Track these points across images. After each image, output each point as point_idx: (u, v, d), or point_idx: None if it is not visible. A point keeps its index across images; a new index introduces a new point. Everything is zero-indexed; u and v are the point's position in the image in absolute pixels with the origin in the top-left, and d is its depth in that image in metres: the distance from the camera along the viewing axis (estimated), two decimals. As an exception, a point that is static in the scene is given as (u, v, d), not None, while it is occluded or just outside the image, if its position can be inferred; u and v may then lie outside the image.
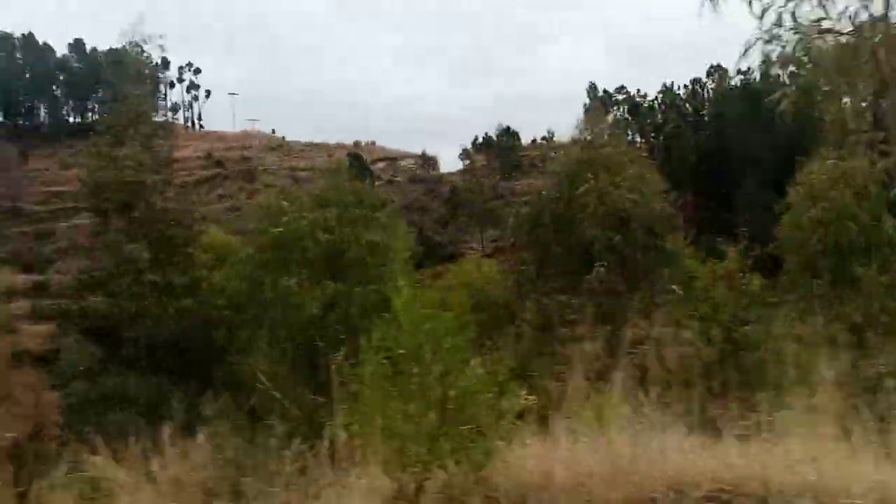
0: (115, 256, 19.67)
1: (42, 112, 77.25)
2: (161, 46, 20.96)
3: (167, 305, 20.68)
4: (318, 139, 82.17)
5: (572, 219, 21.02)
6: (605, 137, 22.11)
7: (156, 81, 21.14)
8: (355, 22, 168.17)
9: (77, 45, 76.68)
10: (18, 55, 75.97)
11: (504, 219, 69.75)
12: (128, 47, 20.42)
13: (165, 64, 79.93)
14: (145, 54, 20.53)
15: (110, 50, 77.91)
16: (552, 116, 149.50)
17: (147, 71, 20.75)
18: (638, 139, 66.64)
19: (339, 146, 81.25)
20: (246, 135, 77.27)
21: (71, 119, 77.80)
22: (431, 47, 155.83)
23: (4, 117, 75.22)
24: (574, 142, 22.77)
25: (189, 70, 68.80)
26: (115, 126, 19.45)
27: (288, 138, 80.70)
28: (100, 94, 77.13)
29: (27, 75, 75.28)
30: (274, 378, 18.63)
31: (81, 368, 21.52)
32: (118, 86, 20.76)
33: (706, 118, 67.73)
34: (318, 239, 20.16)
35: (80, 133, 75.04)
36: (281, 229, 20.41)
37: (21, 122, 76.38)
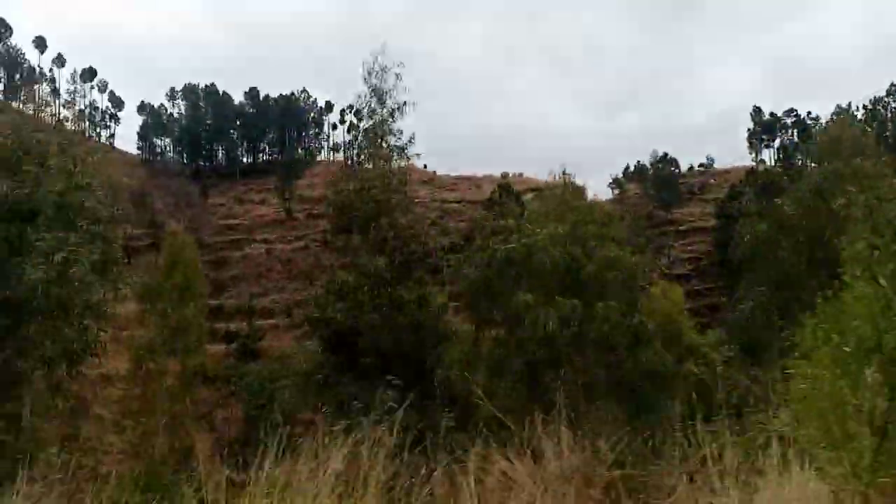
0: (359, 270, 20.84)
1: (220, 153, 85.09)
2: (397, 75, 22.38)
3: (398, 318, 21.47)
4: (466, 172, 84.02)
5: (821, 234, 19.66)
6: (857, 151, 20.69)
7: (394, 107, 22.39)
8: (503, 58, 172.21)
9: (251, 92, 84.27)
10: (202, 104, 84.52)
11: (664, 248, 67.43)
12: (371, 76, 22.05)
13: (329, 107, 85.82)
14: (385, 81, 22.03)
15: (280, 96, 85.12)
16: (709, 143, 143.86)
17: (387, 97, 22.22)
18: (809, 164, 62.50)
19: (487, 178, 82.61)
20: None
21: (245, 159, 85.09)
22: (578, 78, 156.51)
23: (189, 159, 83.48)
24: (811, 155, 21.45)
25: (350, 112, 73.82)
26: (362, 148, 21.03)
27: (438, 172, 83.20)
28: (271, 136, 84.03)
29: (208, 121, 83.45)
30: (493, 394, 18.62)
31: (319, 377, 22.67)
32: (368, 106, 22.39)
33: (890, 139, 62.56)
34: (552, 254, 20.15)
35: (253, 172, 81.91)
36: (513, 245, 20.64)
37: (202, 164, 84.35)
